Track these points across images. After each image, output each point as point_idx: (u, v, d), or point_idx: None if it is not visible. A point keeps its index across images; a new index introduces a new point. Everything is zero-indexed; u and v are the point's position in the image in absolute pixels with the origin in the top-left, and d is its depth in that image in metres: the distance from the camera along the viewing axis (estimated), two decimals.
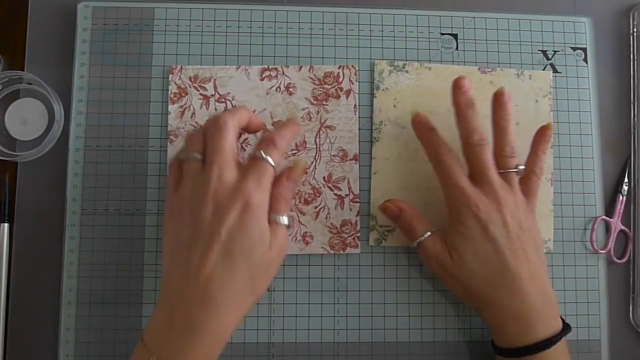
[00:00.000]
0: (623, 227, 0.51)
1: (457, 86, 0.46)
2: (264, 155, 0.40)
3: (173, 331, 0.37)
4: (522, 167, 0.46)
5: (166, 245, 0.41)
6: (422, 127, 0.46)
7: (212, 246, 0.37)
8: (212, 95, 0.50)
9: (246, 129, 0.44)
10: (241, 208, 0.38)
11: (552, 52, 0.53)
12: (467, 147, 0.45)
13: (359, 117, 0.51)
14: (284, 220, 0.41)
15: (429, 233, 0.45)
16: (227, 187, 0.39)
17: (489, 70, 0.52)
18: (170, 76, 0.50)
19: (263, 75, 0.50)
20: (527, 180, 0.46)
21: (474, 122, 0.45)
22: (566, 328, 0.43)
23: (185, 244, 0.38)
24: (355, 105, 0.51)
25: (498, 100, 0.46)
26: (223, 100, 0.50)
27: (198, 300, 0.37)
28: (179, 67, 0.50)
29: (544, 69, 0.52)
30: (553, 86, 0.52)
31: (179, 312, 0.37)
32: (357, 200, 0.50)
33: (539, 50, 0.53)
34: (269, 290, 0.49)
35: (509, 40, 0.52)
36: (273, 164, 0.40)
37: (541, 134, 0.47)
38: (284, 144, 0.42)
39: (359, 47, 0.52)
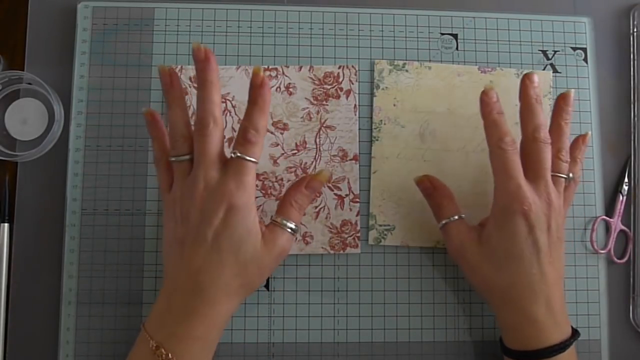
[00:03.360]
0: (623, 227, 0.51)
1: (528, 79, 0.44)
2: (242, 155, 0.40)
3: (170, 316, 0.40)
4: (571, 175, 0.45)
5: (164, 240, 0.43)
6: (490, 108, 0.43)
7: (201, 244, 0.40)
8: None
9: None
10: (225, 209, 0.40)
11: (552, 52, 0.53)
12: (531, 142, 0.43)
13: (359, 117, 0.51)
14: (290, 225, 0.43)
15: (456, 217, 0.45)
16: (211, 189, 0.40)
17: (489, 69, 0.52)
18: None
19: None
20: (567, 188, 0.45)
21: (541, 118, 0.43)
22: (576, 333, 0.43)
23: (179, 240, 0.41)
24: (355, 105, 0.51)
25: (565, 101, 0.45)
26: (223, 100, 0.50)
27: (190, 289, 0.40)
28: (178, 67, 0.50)
29: (544, 69, 0.52)
30: (553, 86, 0.52)
31: (175, 299, 0.40)
32: (357, 200, 0.50)
33: (539, 50, 0.53)
34: (268, 290, 0.49)
35: (509, 40, 0.52)
36: (253, 159, 0.40)
37: (581, 139, 0.47)
38: (261, 135, 0.41)
39: (359, 47, 0.52)
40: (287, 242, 0.43)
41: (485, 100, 0.43)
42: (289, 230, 0.43)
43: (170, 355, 0.38)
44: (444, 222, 0.45)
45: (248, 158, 0.40)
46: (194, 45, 0.41)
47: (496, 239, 0.42)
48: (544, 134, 0.43)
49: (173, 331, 0.39)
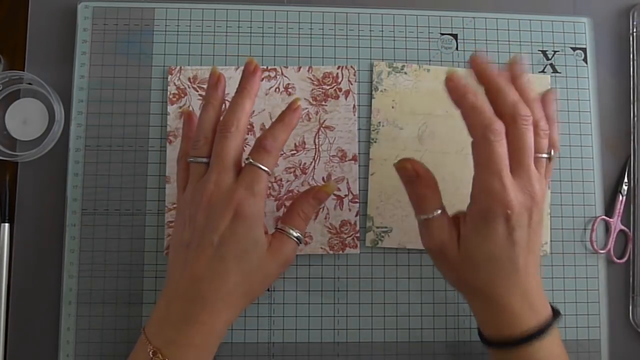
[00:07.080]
0: (623, 227, 0.51)
1: (477, 66, 0.40)
2: (255, 163, 0.40)
3: (168, 322, 0.39)
4: (552, 152, 0.41)
5: (171, 242, 0.43)
6: (462, 91, 0.38)
7: (205, 250, 0.39)
8: None
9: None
10: (232, 216, 0.39)
11: (552, 52, 0.52)
12: (511, 123, 0.38)
13: (358, 117, 0.51)
14: (296, 234, 0.42)
15: (439, 211, 0.40)
16: (221, 194, 0.39)
17: None
18: (169, 77, 0.50)
19: (262, 76, 0.50)
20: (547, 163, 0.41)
21: (516, 93, 0.38)
22: (556, 314, 0.41)
23: (184, 244, 0.40)
24: (354, 105, 0.51)
25: (515, 65, 0.41)
26: None
27: (190, 298, 0.39)
28: (177, 68, 0.50)
29: (543, 69, 0.52)
30: (553, 87, 0.52)
31: (175, 306, 0.39)
32: (357, 200, 0.50)
33: (538, 50, 0.53)
34: (268, 290, 0.49)
35: (509, 40, 0.52)
36: (266, 169, 0.40)
37: (547, 93, 0.43)
38: (277, 147, 0.41)
39: (358, 47, 0.52)
40: (292, 251, 0.42)
41: (452, 86, 0.39)
42: (295, 239, 0.42)
43: None
44: (425, 217, 0.41)
45: (261, 166, 0.40)
46: (248, 59, 0.42)
47: (474, 242, 0.39)
48: (525, 109, 0.38)
49: (171, 338, 0.39)
